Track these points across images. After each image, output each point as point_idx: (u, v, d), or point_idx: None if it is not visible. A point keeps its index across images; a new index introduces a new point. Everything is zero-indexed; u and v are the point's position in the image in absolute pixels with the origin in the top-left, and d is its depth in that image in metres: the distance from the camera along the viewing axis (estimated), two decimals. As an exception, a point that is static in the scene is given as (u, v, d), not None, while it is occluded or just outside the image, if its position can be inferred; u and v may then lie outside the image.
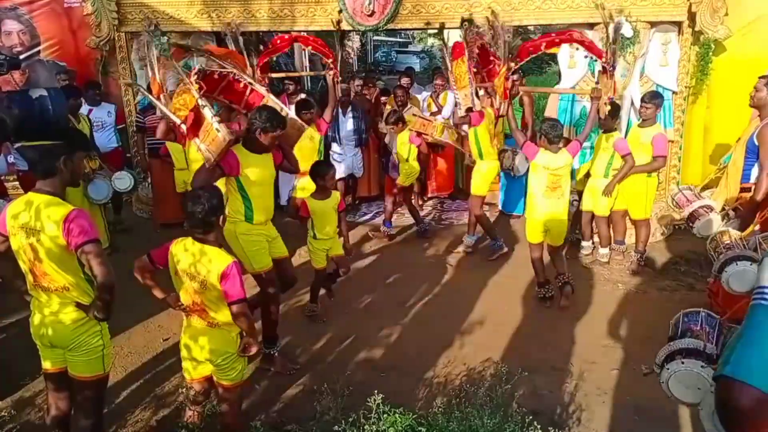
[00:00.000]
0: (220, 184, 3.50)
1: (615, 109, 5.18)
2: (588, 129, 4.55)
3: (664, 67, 5.93)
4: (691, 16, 5.60)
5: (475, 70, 5.43)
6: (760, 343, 1.34)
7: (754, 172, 4.12)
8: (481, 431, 2.96)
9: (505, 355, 4.01)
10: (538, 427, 2.85)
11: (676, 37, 5.88)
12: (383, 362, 3.96)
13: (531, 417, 3.02)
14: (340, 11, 6.15)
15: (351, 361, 3.96)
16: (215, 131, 3.34)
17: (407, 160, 6.07)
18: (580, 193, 5.71)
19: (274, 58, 7.15)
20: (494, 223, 6.44)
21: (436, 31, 6.14)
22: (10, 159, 5.90)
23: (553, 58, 5.89)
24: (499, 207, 7.16)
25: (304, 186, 5.62)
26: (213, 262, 2.71)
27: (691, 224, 4.27)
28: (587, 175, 5.56)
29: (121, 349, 4.06)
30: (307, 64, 12.91)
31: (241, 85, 4.14)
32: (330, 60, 5.31)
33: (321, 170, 4.37)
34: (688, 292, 4.86)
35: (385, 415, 2.94)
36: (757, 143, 4.06)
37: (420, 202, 7.51)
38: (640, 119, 5.35)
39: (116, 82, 6.98)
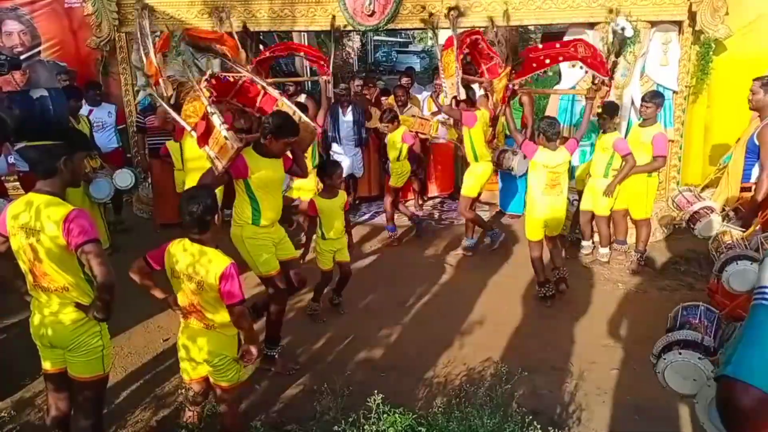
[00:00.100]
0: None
1: (614, 109, 5.20)
2: (584, 127, 4.74)
3: (664, 67, 5.92)
4: (692, 16, 5.59)
5: (468, 60, 5.48)
6: (762, 343, 1.34)
7: (755, 171, 4.12)
8: (481, 431, 2.97)
9: (505, 354, 4.01)
10: (538, 426, 2.85)
11: (676, 37, 5.88)
12: (383, 362, 3.96)
13: (531, 417, 3.02)
14: (334, 18, 6.16)
15: (351, 361, 3.96)
16: (223, 138, 3.34)
17: (398, 159, 6.08)
18: (579, 193, 5.71)
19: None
20: (494, 224, 6.44)
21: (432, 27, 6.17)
22: (11, 159, 5.90)
23: (553, 59, 5.89)
24: (499, 207, 7.16)
25: (300, 186, 5.63)
26: (212, 263, 2.70)
27: (692, 226, 4.27)
28: (588, 174, 5.56)
29: (121, 349, 4.06)
30: (308, 66, 12.89)
31: (257, 88, 4.10)
32: (324, 71, 5.38)
33: (329, 169, 4.37)
34: (688, 292, 4.86)
35: (385, 415, 2.94)
36: (757, 143, 4.06)
37: (420, 202, 7.51)
38: (641, 119, 5.36)
39: (117, 82, 6.98)
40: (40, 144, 2.52)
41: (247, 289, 4.69)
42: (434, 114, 7.21)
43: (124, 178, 5.63)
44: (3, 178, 5.71)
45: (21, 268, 2.63)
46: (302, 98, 6.48)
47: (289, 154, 3.79)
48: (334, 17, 6.09)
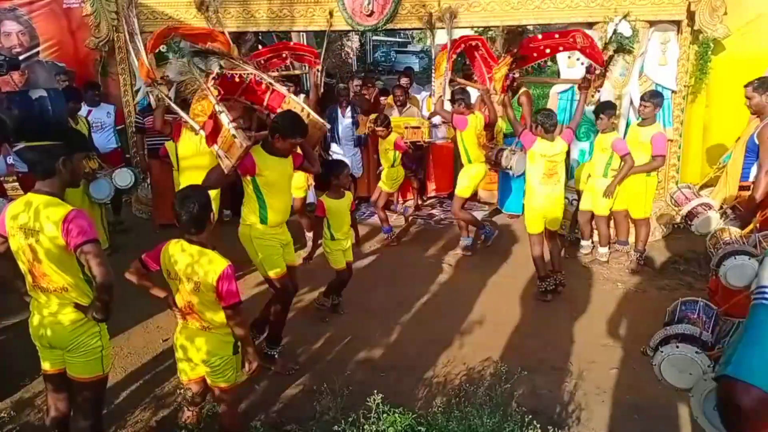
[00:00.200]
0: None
1: (609, 108, 5.21)
2: (578, 116, 4.84)
3: (663, 66, 5.93)
4: (690, 15, 5.60)
5: (466, 64, 5.53)
6: (762, 343, 1.34)
7: (753, 170, 4.13)
8: (481, 430, 2.97)
9: (505, 354, 4.01)
10: (538, 426, 2.85)
11: (675, 36, 5.88)
12: (383, 362, 3.96)
13: (530, 416, 3.02)
14: (331, 14, 6.17)
15: (351, 361, 3.96)
16: (232, 137, 3.34)
17: (393, 166, 6.10)
18: (579, 193, 5.71)
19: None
20: (491, 223, 6.45)
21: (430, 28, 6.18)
22: (10, 160, 5.89)
23: (553, 57, 5.90)
24: (498, 206, 7.16)
25: (297, 186, 5.64)
26: (212, 263, 2.70)
27: (689, 222, 4.28)
28: (588, 174, 5.57)
29: (120, 349, 4.06)
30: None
31: (263, 86, 4.08)
32: (313, 63, 5.44)
33: (336, 169, 4.37)
34: (688, 291, 4.85)
35: (384, 415, 2.94)
36: (757, 142, 4.07)
37: (420, 202, 7.51)
38: (640, 118, 5.36)
39: (115, 82, 6.97)
40: (39, 144, 2.51)
41: (246, 289, 4.73)
42: (432, 115, 7.22)
43: (123, 177, 5.63)
44: (2, 178, 5.69)
45: (20, 269, 2.62)
46: (301, 99, 6.47)
47: (298, 149, 3.79)
48: (331, 13, 6.11)
